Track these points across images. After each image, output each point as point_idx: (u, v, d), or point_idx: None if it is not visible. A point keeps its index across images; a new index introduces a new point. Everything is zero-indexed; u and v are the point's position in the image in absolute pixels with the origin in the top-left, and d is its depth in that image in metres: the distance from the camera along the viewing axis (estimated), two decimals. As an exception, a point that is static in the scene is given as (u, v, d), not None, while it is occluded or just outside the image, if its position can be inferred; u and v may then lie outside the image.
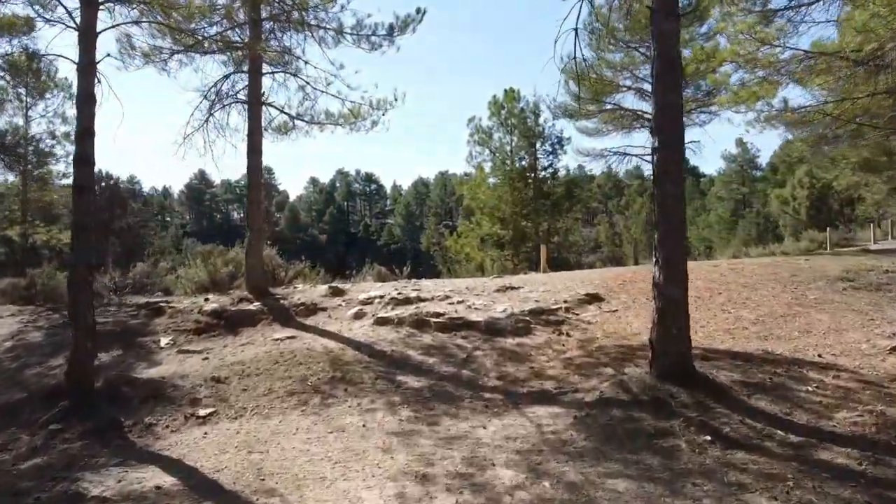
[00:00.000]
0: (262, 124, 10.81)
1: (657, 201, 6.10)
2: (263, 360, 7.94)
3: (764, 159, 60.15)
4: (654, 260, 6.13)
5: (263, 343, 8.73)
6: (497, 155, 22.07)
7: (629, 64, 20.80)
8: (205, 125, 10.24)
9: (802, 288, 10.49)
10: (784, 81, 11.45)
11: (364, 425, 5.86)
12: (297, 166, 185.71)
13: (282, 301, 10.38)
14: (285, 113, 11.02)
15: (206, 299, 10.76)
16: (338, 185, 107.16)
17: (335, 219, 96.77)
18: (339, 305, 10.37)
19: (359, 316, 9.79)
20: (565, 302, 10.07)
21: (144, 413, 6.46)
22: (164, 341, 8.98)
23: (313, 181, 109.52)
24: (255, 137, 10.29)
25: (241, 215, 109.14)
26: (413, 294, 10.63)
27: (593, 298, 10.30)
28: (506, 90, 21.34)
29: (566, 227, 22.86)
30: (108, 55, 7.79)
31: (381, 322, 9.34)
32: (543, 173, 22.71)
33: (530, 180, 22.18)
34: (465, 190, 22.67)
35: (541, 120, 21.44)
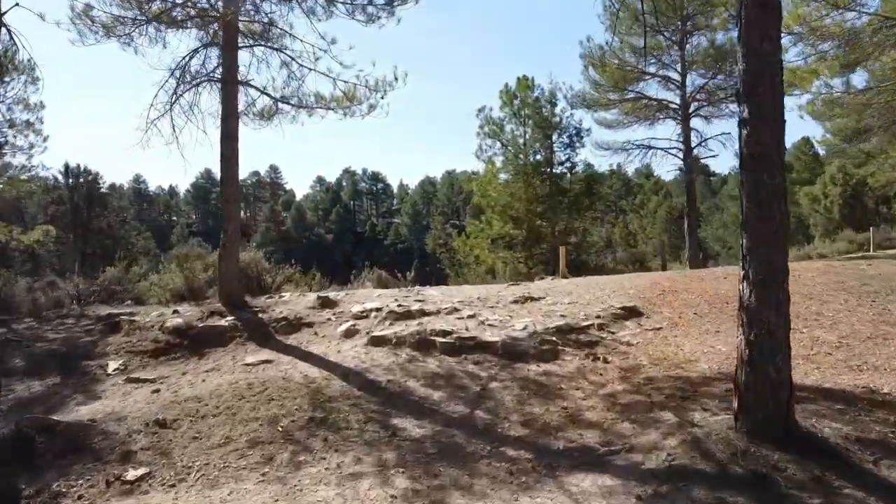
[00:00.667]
0: (240, 107, 9.24)
1: (746, 194, 4.45)
2: (227, 393, 6.35)
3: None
4: (741, 273, 4.48)
5: (232, 369, 7.16)
6: (509, 148, 20.21)
7: (655, 48, 19.06)
8: (170, 109, 8.67)
9: (881, 300, 8.78)
10: (849, 58, 9.70)
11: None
12: (304, 165, 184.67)
13: (260, 314, 8.79)
14: (267, 94, 9.42)
15: (176, 311, 9.21)
16: (344, 183, 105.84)
17: (342, 218, 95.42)
18: (329, 320, 8.78)
19: (350, 333, 8.20)
20: (597, 317, 8.42)
21: (56, 475, 4.88)
22: (112, 366, 7.42)
23: (320, 180, 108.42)
24: (230, 122, 8.71)
25: (248, 214, 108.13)
26: (416, 306, 9.03)
27: (630, 313, 8.65)
28: (519, 78, 19.40)
29: (584, 227, 20.94)
30: (17, 4, 6.21)
31: (377, 342, 7.74)
32: (560, 168, 20.79)
33: (546, 175, 20.29)
34: (474, 186, 20.68)
35: (557, 110, 19.66)
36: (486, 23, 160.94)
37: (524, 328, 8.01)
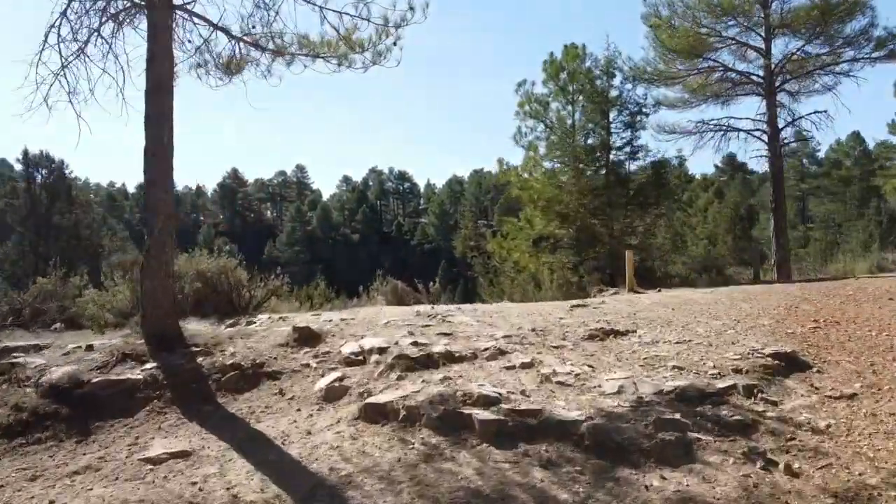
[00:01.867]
0: (179, 46, 6.27)
1: None
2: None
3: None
4: None
5: (119, 471, 4.12)
6: (555, 131, 16.28)
7: (732, 8, 15.45)
8: (81, 52, 5.70)
9: None
10: None
11: None
12: (331, 164, 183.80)
13: (201, 358, 5.74)
14: (220, 29, 6.40)
15: (90, 347, 6.27)
16: (371, 183, 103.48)
17: (368, 218, 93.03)
18: (305, 367, 5.70)
19: (334, 394, 5.11)
20: (737, 371, 5.15)
21: None
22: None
23: (346, 179, 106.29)
24: (158, 66, 5.71)
25: (274, 214, 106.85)
26: (440, 344, 5.92)
27: (788, 362, 5.35)
28: (566, 46, 16.06)
29: (646, 226, 16.54)
30: None
31: (374, 414, 4.62)
32: (618, 154, 16.48)
33: (601, 163, 16.35)
34: (512, 177, 16.84)
35: (615, 81, 16.32)
36: (521, 14, 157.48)
37: (619, 391, 4.81)
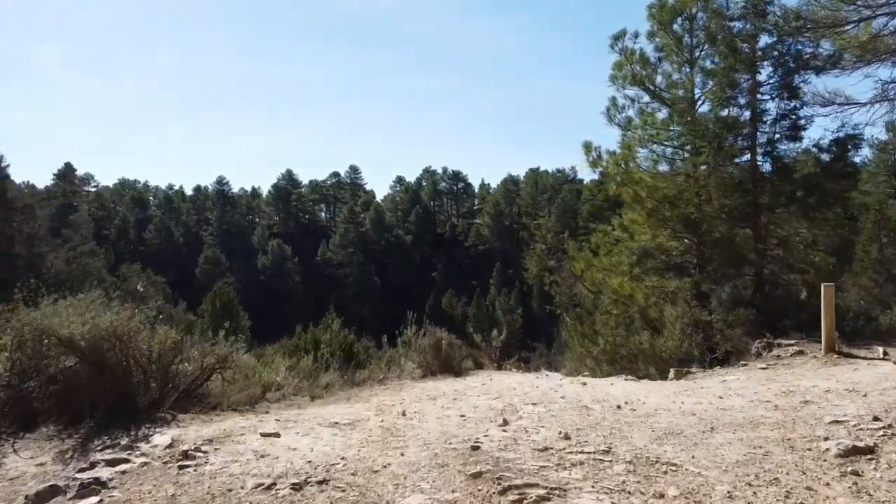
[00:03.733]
0: None
1: None
2: None
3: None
4: None
5: None
6: (669, 100, 11.29)
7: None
8: None
9: None
10: None
11: None
12: (385, 164, 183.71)
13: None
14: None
15: None
16: (424, 183, 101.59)
17: (420, 219, 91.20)
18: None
19: None
20: None
21: None
22: None
23: (399, 179, 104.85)
24: None
25: (328, 215, 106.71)
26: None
27: None
28: (684, -22, 11.23)
29: (826, 238, 10.78)
30: None
31: None
32: (771, 131, 11.03)
33: (747, 144, 11.03)
34: (611, 167, 11.55)
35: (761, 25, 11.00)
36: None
37: None
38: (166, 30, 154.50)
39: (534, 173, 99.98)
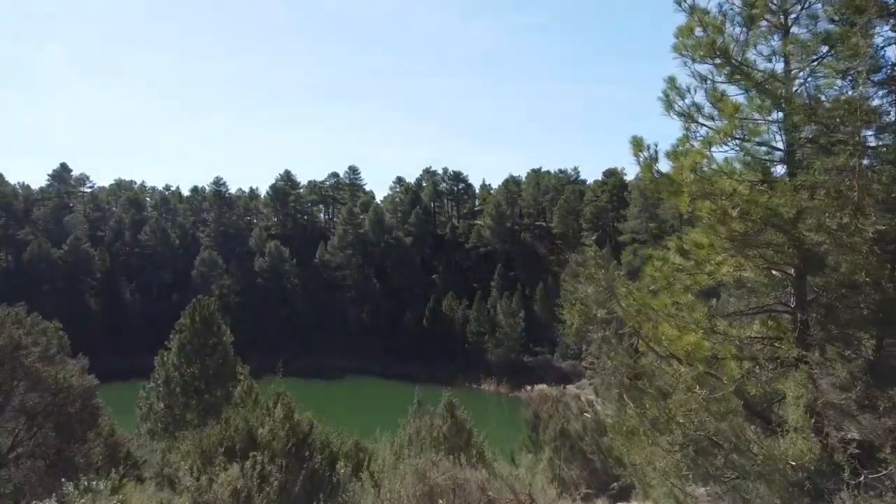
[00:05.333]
0: None
1: None
2: None
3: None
4: None
5: None
6: (754, 76, 7.45)
7: None
8: None
9: None
10: None
11: None
12: (384, 165, 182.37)
13: None
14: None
15: None
16: (424, 184, 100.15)
17: (420, 220, 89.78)
18: None
19: None
20: None
21: None
22: None
23: (399, 180, 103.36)
24: None
25: (327, 216, 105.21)
26: None
27: None
28: None
29: None
30: None
31: None
32: None
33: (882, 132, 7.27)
34: (679, 172, 7.30)
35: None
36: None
37: None
38: (165, 30, 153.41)
39: (535, 174, 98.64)
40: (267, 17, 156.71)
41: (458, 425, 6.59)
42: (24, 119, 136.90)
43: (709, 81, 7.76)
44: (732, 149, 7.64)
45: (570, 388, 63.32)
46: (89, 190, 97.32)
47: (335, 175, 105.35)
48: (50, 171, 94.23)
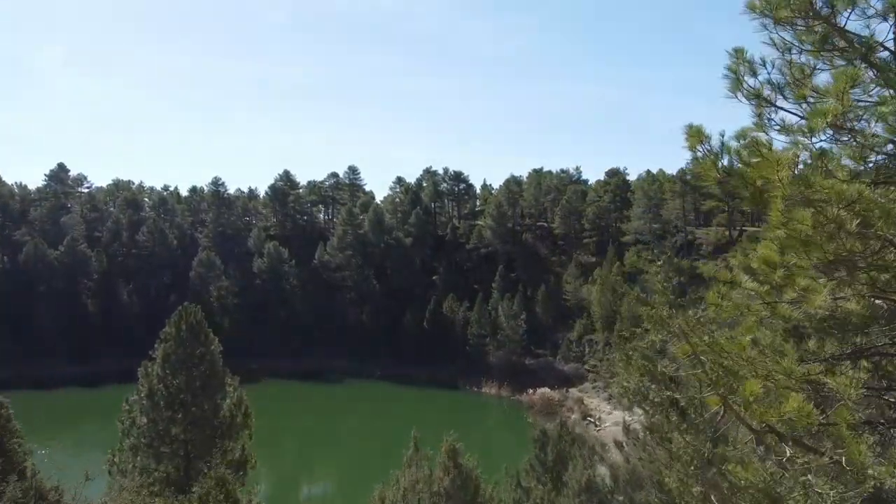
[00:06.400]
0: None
1: None
2: None
3: None
4: None
5: None
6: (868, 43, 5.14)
7: None
8: None
9: None
10: None
11: None
12: (385, 165, 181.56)
13: None
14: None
15: None
16: (424, 184, 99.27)
17: (421, 220, 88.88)
18: None
19: None
20: None
21: None
22: None
23: (399, 180, 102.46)
24: None
25: (326, 217, 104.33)
26: None
27: None
28: None
29: None
30: None
31: None
32: None
33: None
34: (765, 169, 4.72)
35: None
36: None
37: None
38: (164, 30, 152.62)
39: (537, 174, 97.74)
40: (267, 17, 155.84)
41: (462, 477, 5.62)
42: (23, 119, 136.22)
43: (795, 52, 5.62)
44: (832, 140, 5.51)
45: (573, 392, 62.48)
46: (87, 190, 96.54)
47: (335, 175, 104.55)
48: (47, 172, 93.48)
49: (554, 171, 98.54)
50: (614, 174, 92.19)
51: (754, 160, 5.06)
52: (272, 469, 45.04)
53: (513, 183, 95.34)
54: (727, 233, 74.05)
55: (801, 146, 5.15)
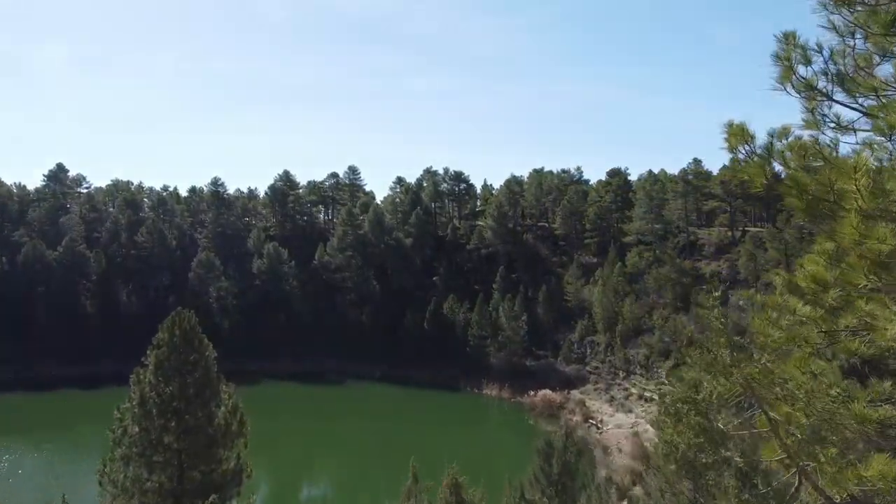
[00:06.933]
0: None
1: None
2: None
3: None
4: None
5: None
6: None
7: None
8: None
9: None
10: None
11: None
12: (385, 165, 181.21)
13: None
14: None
15: None
16: (424, 184, 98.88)
17: (421, 221, 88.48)
18: None
19: None
20: None
21: None
22: None
23: (399, 180, 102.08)
24: None
25: (326, 217, 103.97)
26: None
27: None
28: None
29: None
30: None
31: None
32: None
33: None
34: (857, 173, 3.88)
35: None
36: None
37: None
38: (164, 30, 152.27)
39: (538, 174, 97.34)
40: (267, 17, 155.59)
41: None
42: (23, 119, 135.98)
43: (858, 36, 4.60)
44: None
45: (574, 394, 62.09)
46: (86, 190, 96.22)
47: (335, 175, 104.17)
48: (46, 172, 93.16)
49: (555, 171, 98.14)
50: (616, 174, 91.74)
51: (815, 164, 4.24)
52: (271, 471, 44.67)
53: (513, 183, 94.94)
54: (729, 233, 73.54)
55: (875, 148, 4.29)
